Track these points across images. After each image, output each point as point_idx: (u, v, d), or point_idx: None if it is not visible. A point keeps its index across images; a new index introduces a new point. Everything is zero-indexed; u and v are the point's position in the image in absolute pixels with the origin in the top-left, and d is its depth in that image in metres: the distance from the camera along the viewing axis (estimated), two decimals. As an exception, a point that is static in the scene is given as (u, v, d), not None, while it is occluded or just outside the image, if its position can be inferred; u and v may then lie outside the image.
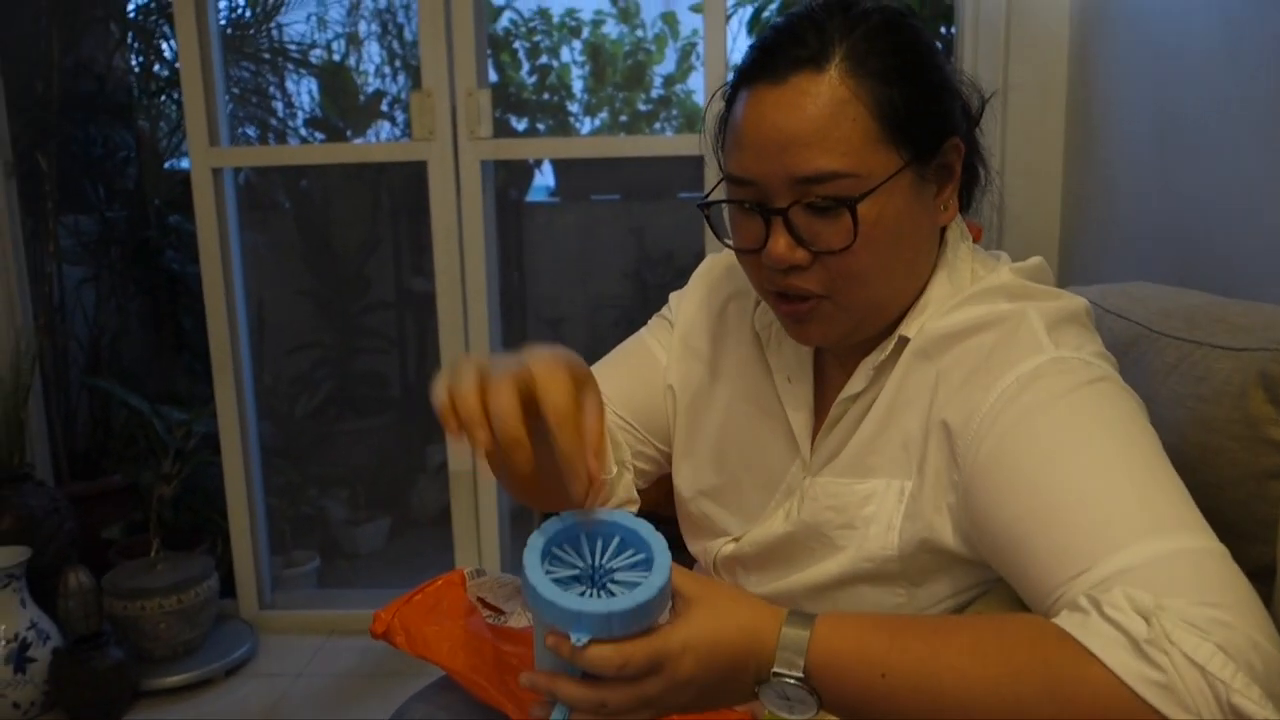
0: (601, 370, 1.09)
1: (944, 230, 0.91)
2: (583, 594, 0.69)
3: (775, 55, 0.83)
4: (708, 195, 0.92)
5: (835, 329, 0.89)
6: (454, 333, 2.38)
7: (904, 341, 0.88)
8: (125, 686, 2.16)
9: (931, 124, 0.85)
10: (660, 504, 1.11)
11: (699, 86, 3.22)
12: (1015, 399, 0.78)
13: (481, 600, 1.10)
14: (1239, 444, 0.79)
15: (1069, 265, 1.96)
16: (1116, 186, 1.76)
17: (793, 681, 0.69)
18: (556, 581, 0.68)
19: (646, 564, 0.70)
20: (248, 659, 2.37)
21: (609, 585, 0.70)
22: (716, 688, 0.70)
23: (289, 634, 2.50)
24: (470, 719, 1.00)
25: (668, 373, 1.06)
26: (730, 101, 0.88)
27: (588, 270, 3.36)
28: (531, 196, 3.41)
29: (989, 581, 0.86)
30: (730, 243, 0.90)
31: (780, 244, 0.84)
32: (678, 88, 3.31)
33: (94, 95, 2.88)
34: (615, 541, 0.72)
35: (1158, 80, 1.56)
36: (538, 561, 0.69)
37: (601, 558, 0.72)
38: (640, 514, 0.80)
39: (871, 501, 0.88)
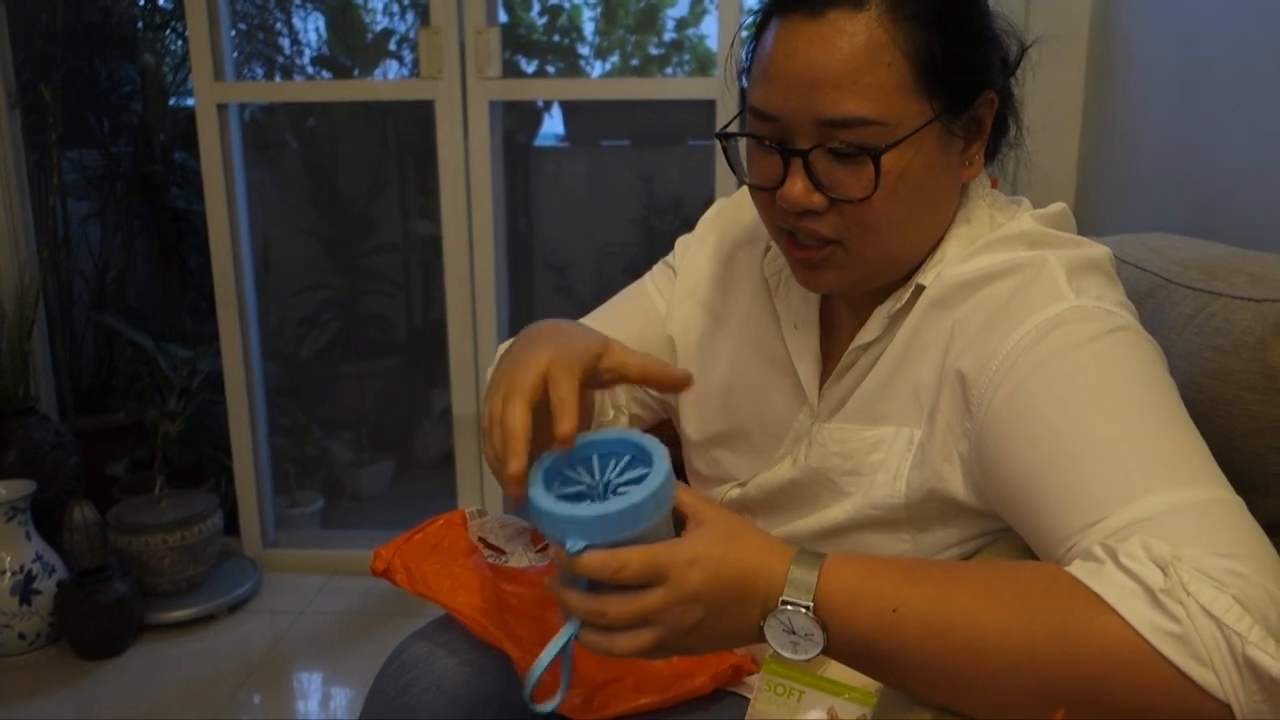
0: (600, 316, 1.09)
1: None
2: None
3: None
4: (726, 126, 0.89)
5: (846, 277, 0.87)
6: (460, 277, 2.36)
7: (920, 289, 0.86)
8: (129, 620, 2.18)
9: (968, 75, 0.82)
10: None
11: (711, 31, 3.16)
12: (1033, 347, 0.77)
13: (483, 540, 1.10)
14: (1256, 395, 0.77)
15: (1086, 215, 1.93)
16: (1136, 137, 1.72)
17: (802, 611, 0.68)
18: (563, 499, 0.69)
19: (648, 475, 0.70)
20: (250, 596, 2.39)
21: (611, 497, 0.70)
22: (721, 614, 0.69)
23: (292, 572, 2.52)
24: (470, 657, 1.00)
25: (669, 322, 1.05)
26: (760, 29, 0.84)
27: (596, 216, 3.33)
28: (540, 141, 3.37)
29: (996, 531, 0.85)
30: (746, 178, 0.88)
31: (797, 186, 0.81)
32: (690, 31, 3.25)
33: (98, 27, 2.84)
34: (625, 460, 0.73)
35: (1181, 31, 1.52)
36: (539, 477, 0.70)
37: (610, 474, 0.73)
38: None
39: (879, 449, 0.87)
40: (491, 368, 0.91)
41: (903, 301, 0.87)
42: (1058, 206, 0.90)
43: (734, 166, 0.90)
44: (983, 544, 0.86)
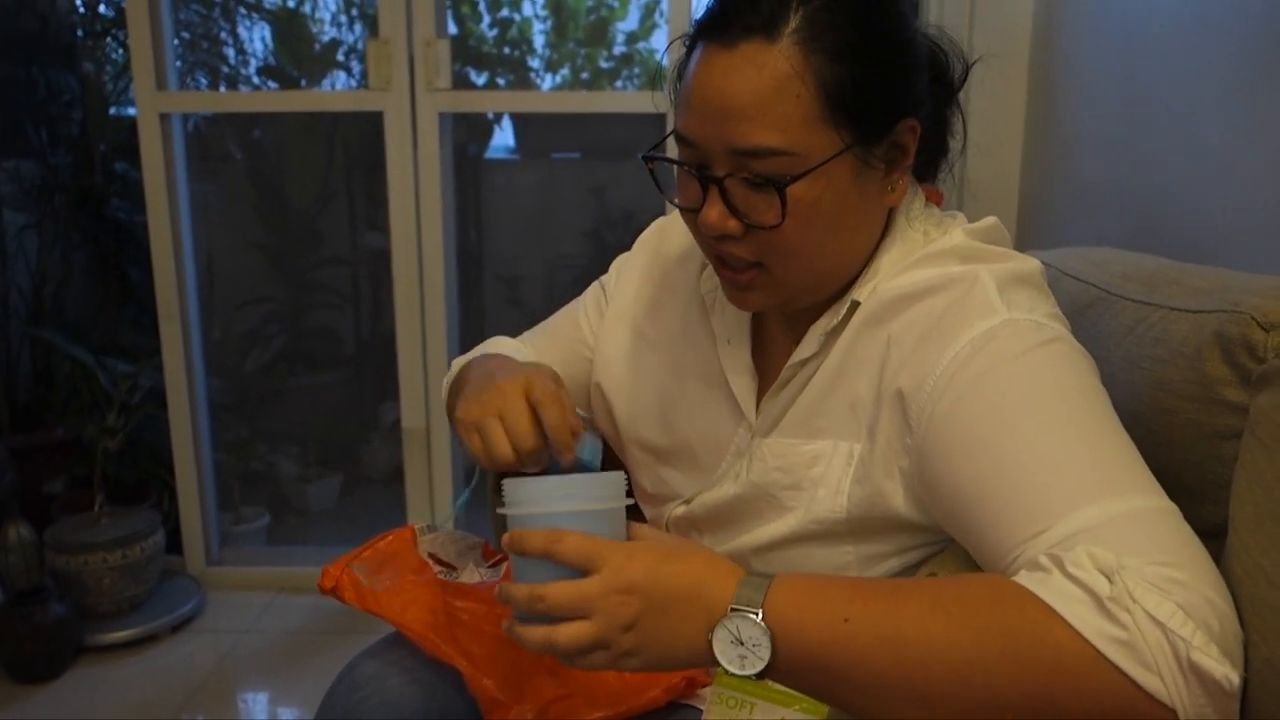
0: (537, 339, 1.14)
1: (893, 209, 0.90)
2: None
3: (729, 17, 0.80)
4: (655, 147, 0.90)
5: (772, 297, 0.88)
6: (409, 290, 2.34)
7: (855, 306, 0.88)
8: (68, 642, 2.13)
9: (884, 105, 0.82)
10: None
11: (661, 44, 3.18)
12: (968, 363, 0.78)
13: (433, 556, 1.09)
14: (1193, 404, 0.79)
15: (1029, 229, 1.96)
16: (1077, 152, 1.76)
17: (751, 617, 0.68)
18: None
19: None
20: (194, 615, 2.34)
21: None
22: (662, 615, 0.70)
23: (237, 590, 2.47)
24: (421, 675, 0.99)
25: (596, 350, 1.08)
26: (689, 53, 0.85)
27: (546, 229, 3.33)
28: (491, 153, 3.35)
29: (938, 542, 0.86)
30: (674, 199, 0.89)
31: (714, 212, 0.83)
32: (640, 45, 3.26)
33: (36, 35, 2.77)
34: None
35: (1120, 48, 1.56)
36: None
37: None
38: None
39: (819, 463, 0.88)
40: (448, 384, 0.92)
41: (839, 318, 0.88)
42: (989, 221, 0.91)
43: (660, 187, 0.92)
44: (925, 554, 0.87)
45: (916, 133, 0.85)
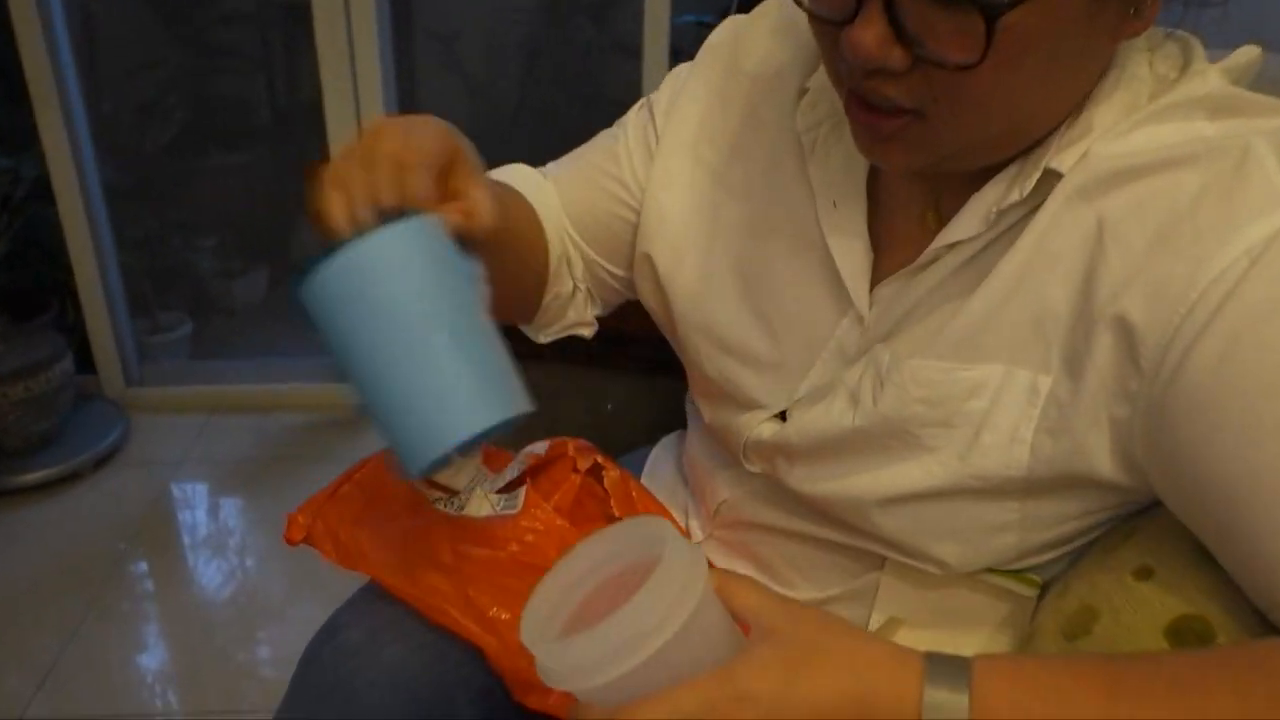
0: (561, 173, 0.87)
1: None
2: None
3: None
4: None
5: (924, 156, 0.60)
6: (336, 50, 2.02)
7: (1054, 178, 0.60)
8: (-28, 489, 1.88)
9: None
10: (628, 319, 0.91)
11: None
12: (1246, 286, 0.53)
13: (428, 481, 0.84)
14: None
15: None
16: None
17: None
18: None
19: None
20: (118, 447, 2.10)
21: None
22: None
23: (164, 414, 2.23)
24: (425, 639, 0.77)
25: (646, 196, 0.81)
26: None
27: (488, -25, 2.88)
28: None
29: (1136, 504, 0.64)
30: None
31: (868, 35, 0.54)
32: None
33: None
34: None
35: None
36: None
37: None
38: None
39: (981, 394, 0.63)
40: None
41: (1022, 190, 0.61)
42: (1249, 52, 0.63)
43: None
44: (1111, 517, 0.65)
45: None
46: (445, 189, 0.62)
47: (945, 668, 0.48)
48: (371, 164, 0.59)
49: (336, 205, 0.59)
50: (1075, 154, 0.59)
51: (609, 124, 0.88)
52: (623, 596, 0.46)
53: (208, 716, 1.53)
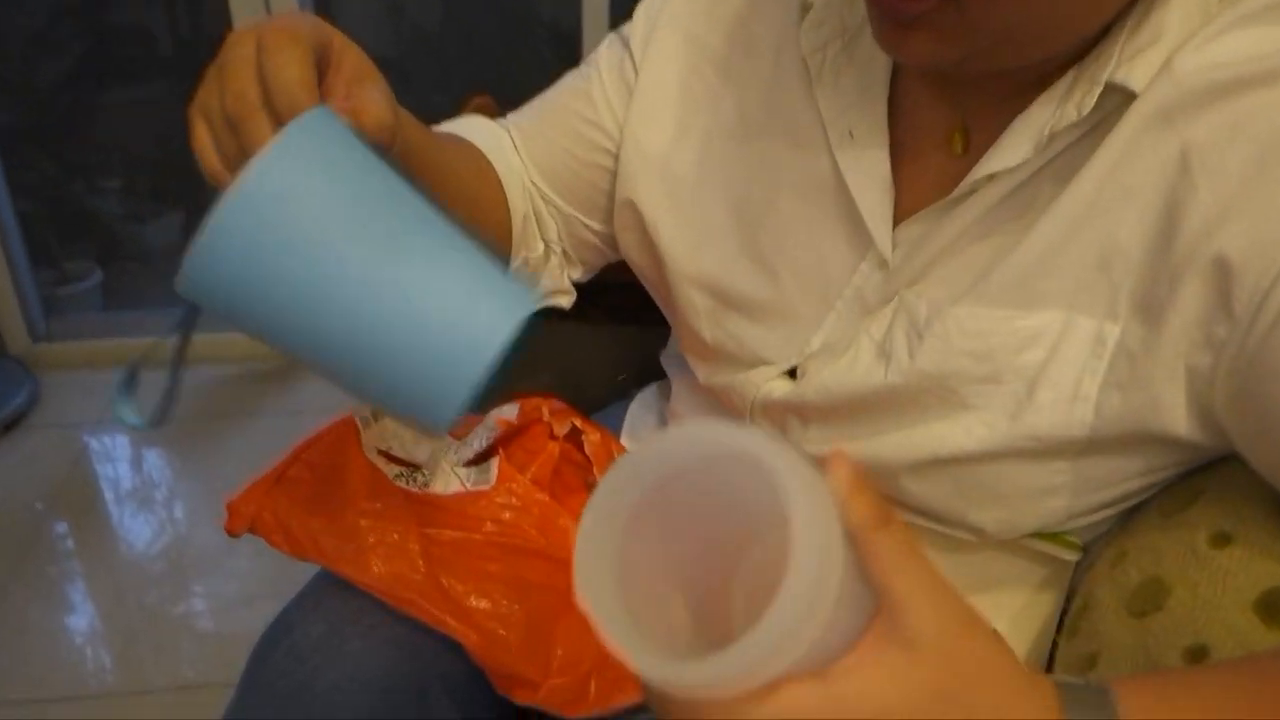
0: (524, 120, 0.79)
1: None
2: None
3: None
4: None
5: (953, 48, 0.51)
6: None
7: (1115, 94, 0.52)
8: None
9: None
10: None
11: None
12: None
13: (386, 455, 0.75)
14: None
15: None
16: None
17: None
18: None
19: None
20: (26, 409, 1.96)
21: None
22: None
23: (77, 371, 2.08)
24: (392, 632, 0.70)
25: (627, 147, 0.73)
26: None
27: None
28: None
29: (1199, 462, 0.58)
30: None
31: None
32: None
33: None
34: None
35: None
36: None
37: None
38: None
39: (1037, 346, 0.56)
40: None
41: (1082, 111, 0.52)
42: None
43: None
44: (1171, 475, 0.59)
45: None
46: (324, 88, 0.53)
47: (1079, 691, 0.40)
48: (230, 75, 0.50)
49: (203, 141, 0.51)
50: (1147, 65, 0.51)
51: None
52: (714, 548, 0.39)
53: (141, 668, 1.46)
